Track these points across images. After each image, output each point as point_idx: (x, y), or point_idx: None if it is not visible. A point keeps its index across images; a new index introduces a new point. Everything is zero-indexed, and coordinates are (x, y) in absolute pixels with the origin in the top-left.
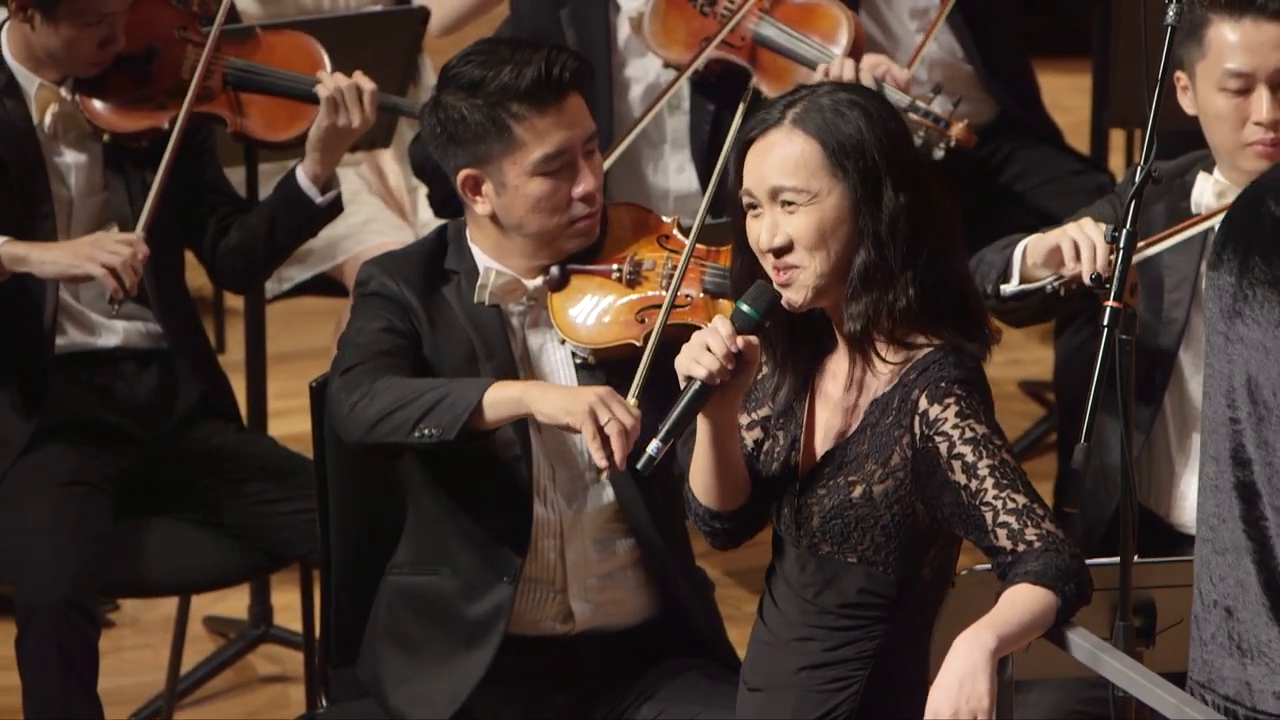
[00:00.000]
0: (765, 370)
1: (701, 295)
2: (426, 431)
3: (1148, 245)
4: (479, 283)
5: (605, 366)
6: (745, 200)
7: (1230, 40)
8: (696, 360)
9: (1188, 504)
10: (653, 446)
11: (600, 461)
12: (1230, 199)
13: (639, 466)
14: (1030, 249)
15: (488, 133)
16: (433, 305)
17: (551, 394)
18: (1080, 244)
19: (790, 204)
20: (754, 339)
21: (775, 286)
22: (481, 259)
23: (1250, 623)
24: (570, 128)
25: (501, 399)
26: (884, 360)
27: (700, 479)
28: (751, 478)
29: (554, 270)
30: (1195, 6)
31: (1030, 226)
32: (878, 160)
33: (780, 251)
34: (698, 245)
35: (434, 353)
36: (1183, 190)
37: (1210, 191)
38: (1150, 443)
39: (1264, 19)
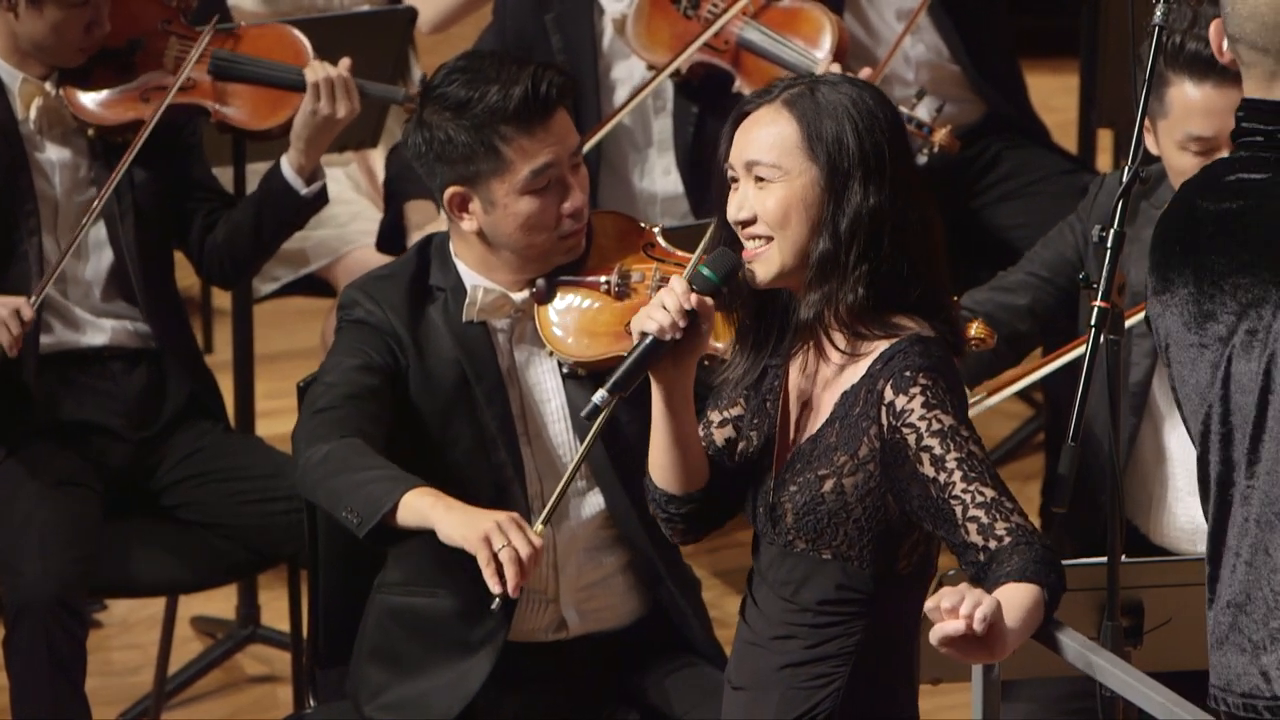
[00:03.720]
0: (738, 370)
1: None
2: (350, 517)
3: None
4: (468, 301)
5: (594, 377)
6: (728, 174)
7: (1192, 103)
8: (650, 315)
9: (1166, 528)
10: (599, 396)
11: (493, 588)
12: None
13: (583, 415)
14: None
15: (475, 153)
16: (419, 329)
17: (454, 515)
18: None
19: (762, 179)
20: (708, 300)
21: (744, 260)
22: (467, 275)
23: (1258, 615)
24: (557, 145)
25: (414, 506)
26: (839, 350)
27: (655, 457)
28: (720, 474)
29: (540, 283)
30: (1158, 57)
31: (1017, 228)
32: (851, 157)
33: (746, 224)
34: (689, 254)
35: (423, 380)
36: (1149, 219)
37: None
38: (1129, 473)
39: (1225, 83)
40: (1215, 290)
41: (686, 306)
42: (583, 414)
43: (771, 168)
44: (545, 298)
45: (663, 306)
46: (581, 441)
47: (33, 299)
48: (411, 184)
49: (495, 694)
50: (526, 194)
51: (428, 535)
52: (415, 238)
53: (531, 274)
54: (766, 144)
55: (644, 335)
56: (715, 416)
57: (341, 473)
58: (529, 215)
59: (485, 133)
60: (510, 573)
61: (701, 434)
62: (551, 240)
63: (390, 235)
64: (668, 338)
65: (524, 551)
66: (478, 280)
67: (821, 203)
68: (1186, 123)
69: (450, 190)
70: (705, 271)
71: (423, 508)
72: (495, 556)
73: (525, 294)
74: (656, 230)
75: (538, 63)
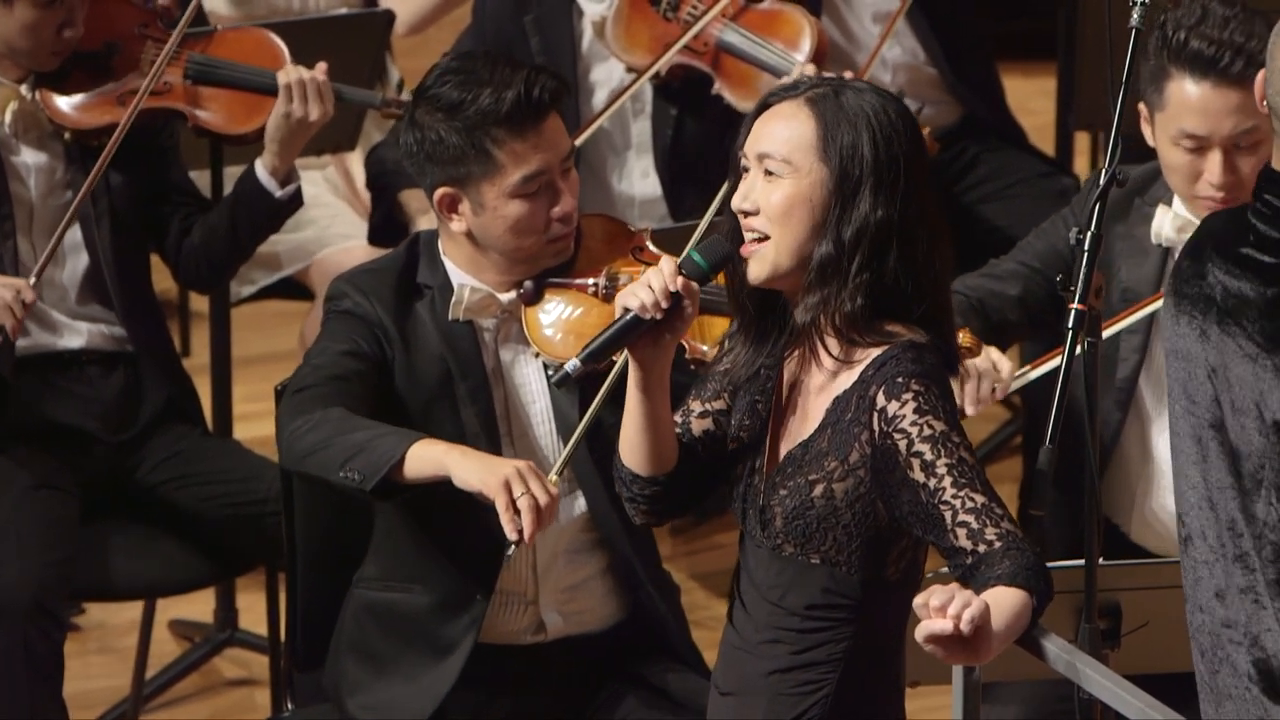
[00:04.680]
0: (725, 364)
1: None
2: (350, 475)
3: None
4: (454, 299)
5: (580, 380)
6: (741, 161)
7: (1189, 100)
8: (634, 292)
9: (1148, 527)
10: (570, 364)
11: (510, 534)
12: (1190, 234)
13: (554, 381)
14: None
15: (466, 155)
16: (406, 324)
17: (471, 461)
18: (965, 377)
19: (771, 173)
20: (694, 284)
21: (741, 254)
22: (455, 274)
23: None
24: (549, 149)
25: (424, 456)
26: (831, 356)
27: (625, 435)
28: (690, 462)
29: (528, 284)
30: (1160, 53)
31: (995, 230)
32: (865, 165)
33: (748, 214)
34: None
35: (408, 374)
36: (1142, 215)
37: (1170, 225)
38: (1112, 469)
39: (1225, 84)
40: (1220, 366)
41: (672, 288)
42: (553, 380)
43: (782, 162)
44: (533, 299)
45: (648, 285)
46: (566, 444)
47: (32, 280)
48: (400, 176)
49: (472, 696)
50: (516, 197)
51: (404, 528)
52: (422, 223)
53: (519, 275)
54: (781, 138)
55: (626, 311)
56: (696, 406)
57: (336, 437)
58: (518, 218)
59: (477, 135)
60: (528, 520)
61: (679, 420)
62: (540, 243)
63: (383, 229)
64: (648, 316)
65: (542, 500)
66: (465, 279)
67: (827, 206)
68: (1182, 119)
69: (440, 191)
70: (695, 256)
71: (434, 455)
72: (513, 503)
73: (512, 295)
74: (647, 234)
75: (531, 66)
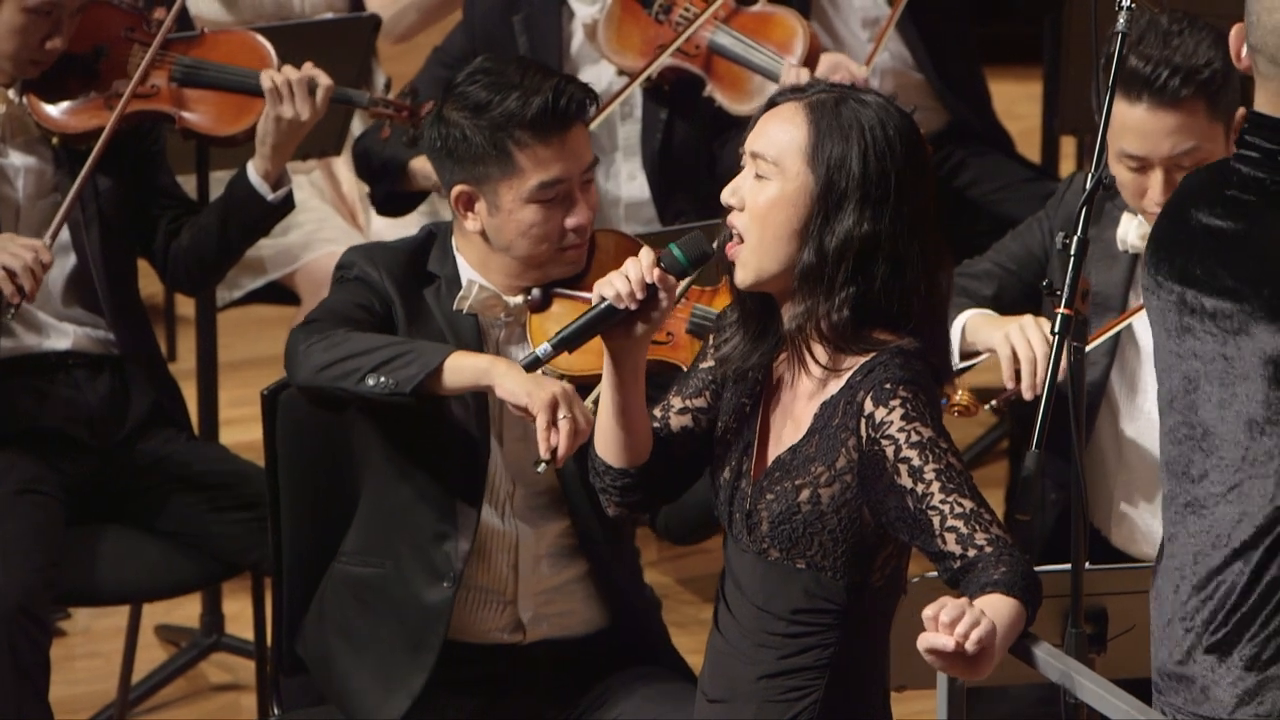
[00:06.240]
0: (710, 362)
1: (684, 334)
2: (381, 380)
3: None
4: (460, 294)
5: (578, 390)
6: (742, 157)
7: (1126, 120)
8: (610, 281)
9: (1126, 527)
10: (541, 348)
11: (544, 452)
12: None
13: (523, 363)
14: (969, 331)
15: (488, 155)
16: (412, 303)
17: (516, 373)
18: (1020, 355)
19: (761, 175)
20: (670, 278)
21: (728, 257)
22: (465, 269)
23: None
24: (571, 159)
25: (466, 365)
26: (818, 364)
27: (599, 423)
28: (665, 458)
29: (535, 292)
30: (1103, 71)
31: (981, 234)
32: (851, 179)
33: (732, 209)
34: (691, 285)
35: None
36: (1112, 220)
37: (1135, 232)
38: (1089, 475)
39: (1159, 106)
40: (1197, 306)
41: (648, 279)
42: (522, 362)
43: (770, 164)
44: (539, 306)
45: (625, 275)
46: None
47: (47, 241)
48: (399, 150)
49: (454, 696)
50: (532, 203)
51: (383, 504)
52: None
53: (528, 281)
54: (773, 140)
55: (601, 299)
56: (677, 402)
57: (360, 349)
58: (532, 224)
59: (500, 136)
60: (564, 442)
61: (659, 414)
62: (552, 251)
63: (389, 201)
64: (623, 306)
65: (581, 424)
66: (475, 277)
67: (809, 213)
68: (1121, 139)
69: (458, 189)
70: (675, 251)
71: (478, 365)
72: (553, 423)
73: (519, 299)
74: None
75: (562, 75)
